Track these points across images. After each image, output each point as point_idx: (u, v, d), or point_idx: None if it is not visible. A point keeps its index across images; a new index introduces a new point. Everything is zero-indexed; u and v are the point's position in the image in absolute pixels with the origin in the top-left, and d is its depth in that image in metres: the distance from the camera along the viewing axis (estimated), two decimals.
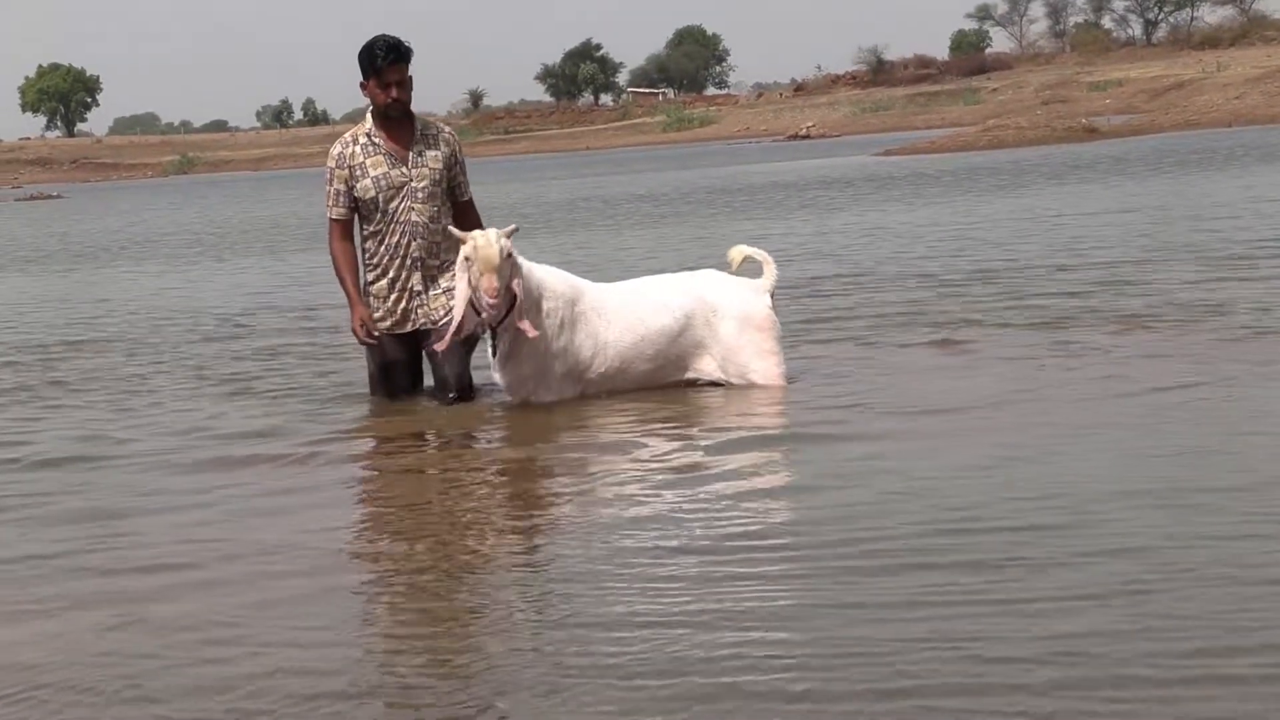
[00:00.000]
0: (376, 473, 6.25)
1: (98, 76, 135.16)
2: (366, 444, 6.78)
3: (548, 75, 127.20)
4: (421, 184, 7.46)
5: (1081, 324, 8.69)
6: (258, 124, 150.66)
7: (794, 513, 5.02)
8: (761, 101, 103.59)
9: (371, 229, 7.51)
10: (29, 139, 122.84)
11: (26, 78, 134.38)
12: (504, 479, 5.91)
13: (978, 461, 5.53)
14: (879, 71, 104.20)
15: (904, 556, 4.37)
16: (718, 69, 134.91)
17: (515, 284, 6.92)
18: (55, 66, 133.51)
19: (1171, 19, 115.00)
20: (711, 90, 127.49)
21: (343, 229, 7.54)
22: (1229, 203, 16.92)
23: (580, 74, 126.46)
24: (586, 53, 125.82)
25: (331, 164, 7.49)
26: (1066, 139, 40.82)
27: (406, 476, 6.03)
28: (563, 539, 4.87)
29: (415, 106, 7.56)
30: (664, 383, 7.32)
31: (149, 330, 11.57)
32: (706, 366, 7.36)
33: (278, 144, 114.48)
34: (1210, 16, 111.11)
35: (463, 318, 6.99)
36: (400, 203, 7.44)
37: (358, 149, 7.47)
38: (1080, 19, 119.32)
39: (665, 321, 7.26)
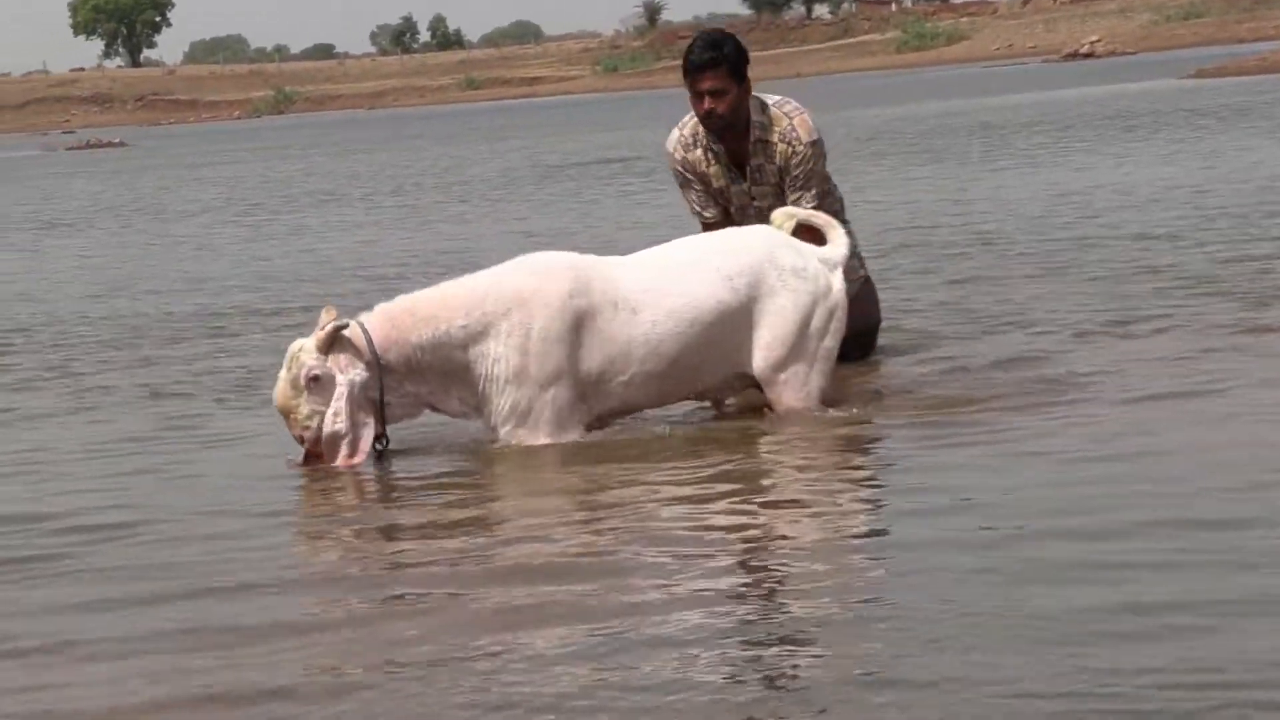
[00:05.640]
0: None
1: None
2: None
3: None
4: (765, 203, 8.10)
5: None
6: (373, 49, 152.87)
7: None
8: (1029, 9, 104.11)
9: None
10: (83, 70, 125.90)
11: None
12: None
13: None
14: None
15: None
16: None
17: (336, 407, 6.88)
18: None
19: None
20: None
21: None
22: None
23: None
24: None
25: (678, 167, 8.31)
26: None
27: None
28: None
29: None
30: (704, 393, 7.31)
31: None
32: (753, 362, 7.16)
33: (400, 74, 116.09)
34: None
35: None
36: (741, 222, 8.10)
37: (700, 154, 8.24)
38: None
39: (722, 295, 7.03)
